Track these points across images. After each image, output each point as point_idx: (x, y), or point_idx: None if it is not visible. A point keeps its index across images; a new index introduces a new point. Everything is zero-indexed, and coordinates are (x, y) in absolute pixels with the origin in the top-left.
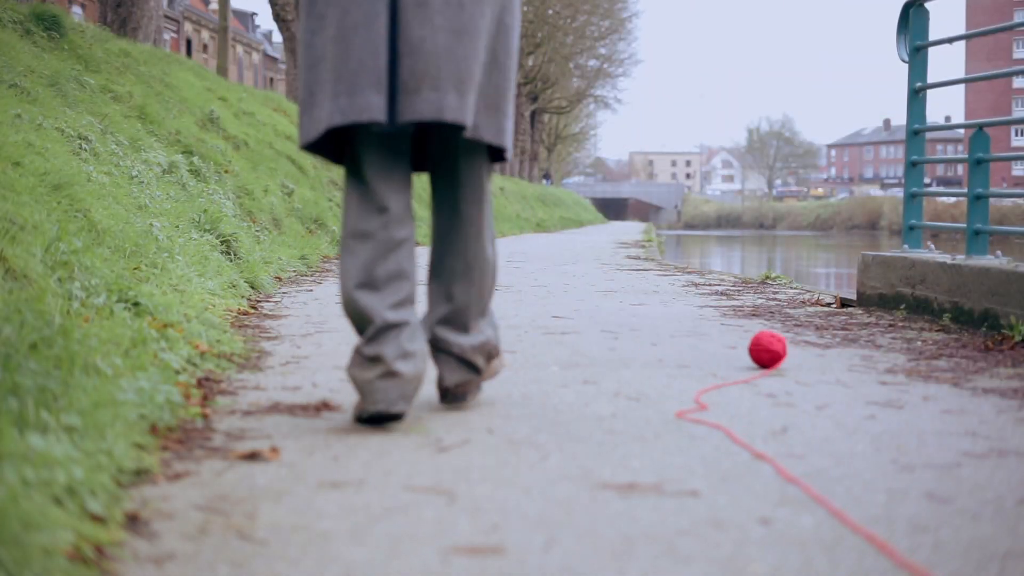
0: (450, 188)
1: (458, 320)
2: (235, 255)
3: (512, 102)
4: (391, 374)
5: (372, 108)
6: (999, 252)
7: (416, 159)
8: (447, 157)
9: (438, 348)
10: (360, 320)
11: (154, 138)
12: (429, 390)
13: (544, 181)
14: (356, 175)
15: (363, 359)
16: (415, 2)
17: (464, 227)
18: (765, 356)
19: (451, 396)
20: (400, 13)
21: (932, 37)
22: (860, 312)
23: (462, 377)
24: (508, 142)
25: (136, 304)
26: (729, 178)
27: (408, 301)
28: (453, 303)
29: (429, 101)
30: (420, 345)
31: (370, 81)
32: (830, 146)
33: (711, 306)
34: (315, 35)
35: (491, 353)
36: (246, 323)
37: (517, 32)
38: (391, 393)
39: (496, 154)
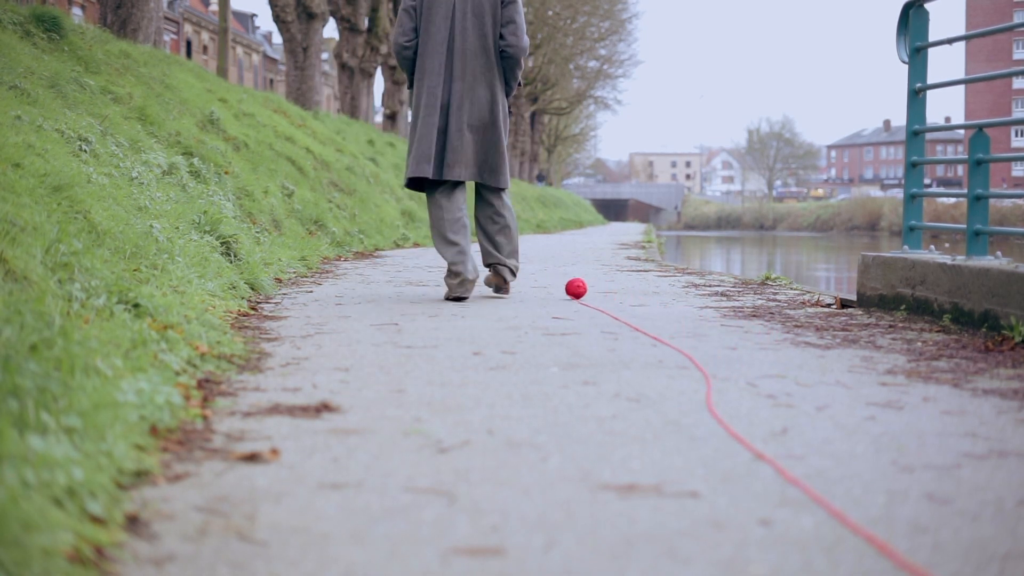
0: (485, 197)
1: (505, 253)
2: (235, 256)
3: (505, 158)
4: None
5: (428, 170)
6: (999, 253)
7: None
8: (483, 187)
9: (495, 266)
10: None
11: (154, 139)
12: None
13: (537, 183)
14: (431, 196)
15: (449, 273)
16: (455, 106)
17: (495, 211)
18: (572, 291)
19: (502, 291)
20: (450, 112)
21: (932, 38)
22: (860, 313)
23: (506, 282)
24: (504, 183)
25: (136, 305)
26: (729, 179)
27: (463, 252)
28: (499, 247)
29: (456, 172)
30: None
31: (427, 158)
32: (830, 147)
33: (711, 307)
34: (415, 123)
35: (515, 273)
36: (246, 324)
37: (505, 115)
38: (460, 290)
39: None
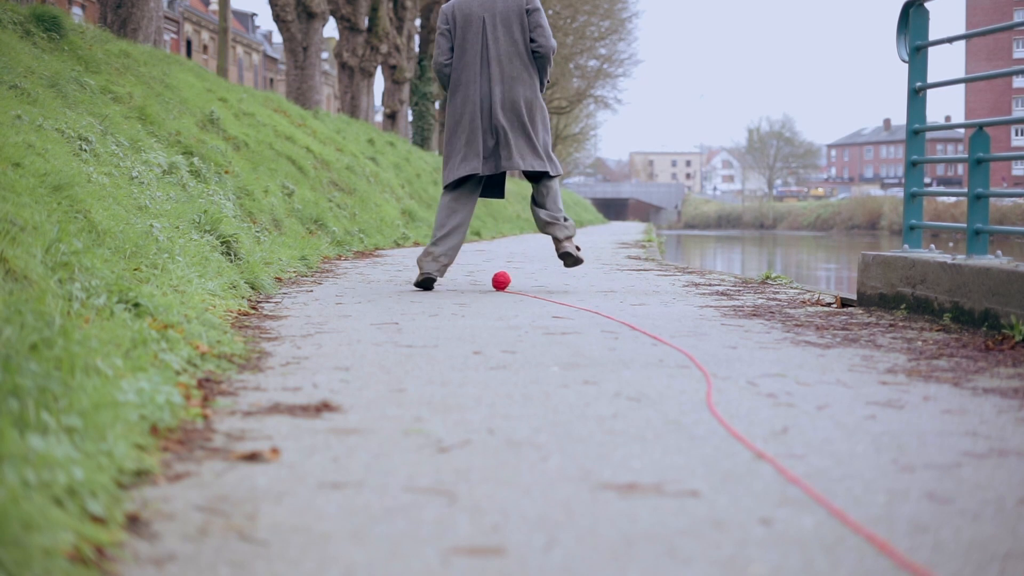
0: (538, 184)
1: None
2: (235, 256)
3: (548, 145)
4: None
5: (478, 167)
6: (999, 252)
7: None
8: (534, 177)
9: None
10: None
11: (154, 139)
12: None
13: None
14: (450, 191)
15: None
16: (497, 107)
17: (547, 194)
18: (499, 282)
19: (570, 259)
20: (493, 112)
21: (932, 37)
22: (860, 312)
23: (568, 249)
24: (549, 168)
25: (136, 305)
26: (729, 178)
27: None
28: (557, 227)
29: (512, 161)
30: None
31: (477, 156)
32: (830, 146)
33: (711, 306)
34: (456, 128)
35: (571, 237)
36: (246, 324)
37: (542, 109)
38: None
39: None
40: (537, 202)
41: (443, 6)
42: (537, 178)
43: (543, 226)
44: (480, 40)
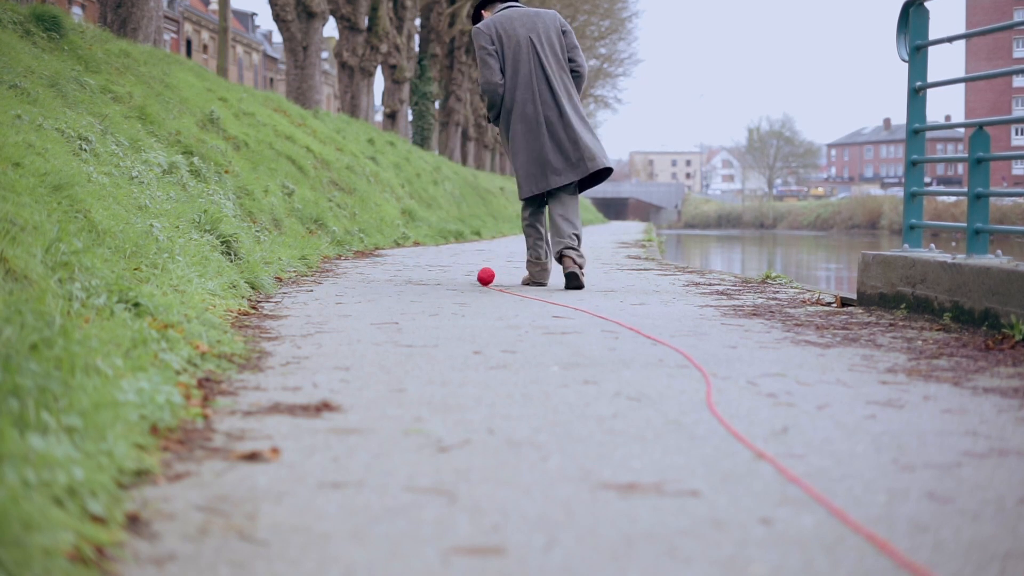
0: (561, 201)
1: (574, 245)
2: (235, 255)
3: (599, 141)
4: (544, 267)
5: (559, 181)
6: (999, 251)
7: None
8: (563, 190)
9: (567, 257)
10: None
11: (154, 139)
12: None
13: None
14: (529, 205)
15: (531, 262)
16: (559, 124)
17: (572, 209)
18: (483, 278)
19: (574, 278)
20: (550, 134)
21: (932, 36)
22: (860, 312)
23: (578, 268)
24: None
25: (136, 305)
26: (729, 178)
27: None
28: (569, 240)
29: (596, 162)
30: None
31: (556, 172)
32: (830, 146)
33: (711, 306)
34: (522, 150)
35: (581, 263)
36: (246, 323)
37: (579, 108)
38: (542, 277)
39: (584, 183)
40: (560, 214)
41: (481, 25)
42: (578, 186)
43: (558, 240)
44: (533, 59)
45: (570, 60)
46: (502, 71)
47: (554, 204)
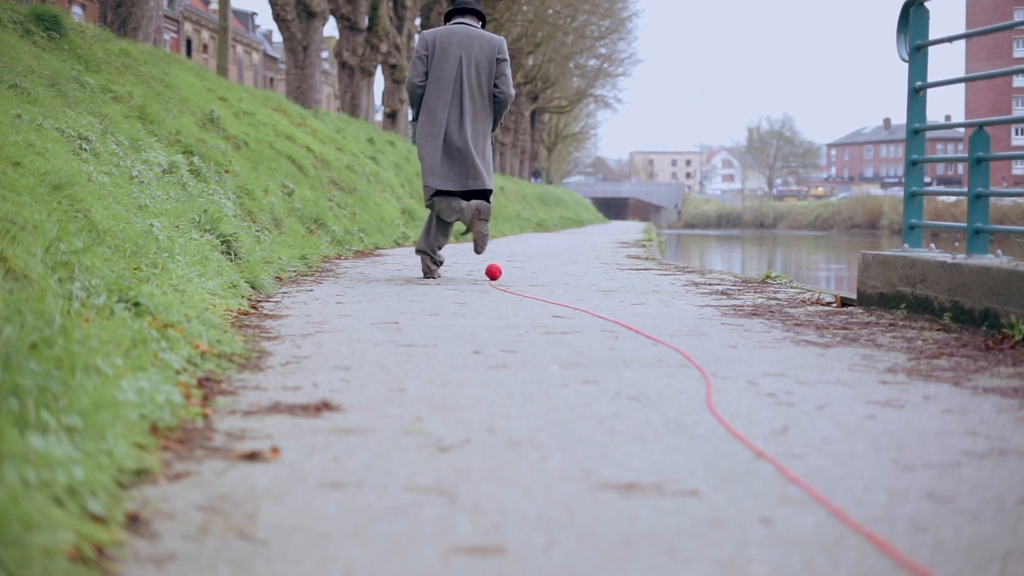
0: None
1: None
2: (235, 255)
3: (491, 165)
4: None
5: (439, 183)
6: (999, 251)
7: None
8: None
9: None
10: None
11: (154, 138)
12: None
13: (533, 179)
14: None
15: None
16: (456, 138)
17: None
18: (491, 273)
19: (479, 232)
20: (461, 138)
21: (932, 36)
22: (860, 311)
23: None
24: (491, 185)
25: (136, 304)
26: (729, 178)
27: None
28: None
29: (478, 181)
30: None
31: (437, 174)
32: (830, 145)
33: (711, 305)
34: (423, 146)
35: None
36: (246, 323)
37: (488, 141)
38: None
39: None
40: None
41: (424, 32)
42: (482, 195)
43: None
44: (455, 74)
45: (495, 86)
46: (426, 75)
47: (440, 202)
